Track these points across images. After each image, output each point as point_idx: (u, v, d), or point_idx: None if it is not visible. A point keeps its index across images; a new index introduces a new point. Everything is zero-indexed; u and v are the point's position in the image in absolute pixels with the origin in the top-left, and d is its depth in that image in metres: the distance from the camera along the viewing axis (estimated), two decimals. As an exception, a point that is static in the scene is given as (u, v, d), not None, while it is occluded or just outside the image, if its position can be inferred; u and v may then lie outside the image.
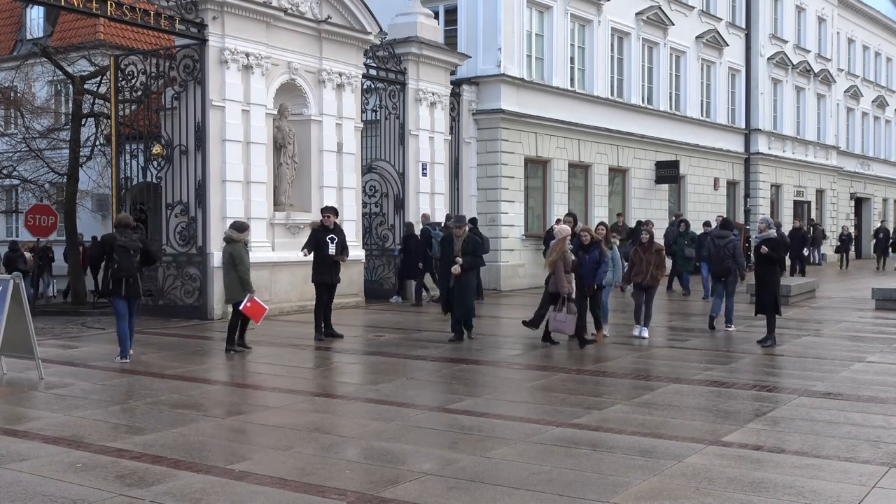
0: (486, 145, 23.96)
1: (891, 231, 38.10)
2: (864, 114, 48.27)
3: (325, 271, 13.97)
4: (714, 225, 20.12)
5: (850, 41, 46.62)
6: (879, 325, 16.29)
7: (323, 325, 14.01)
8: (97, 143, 22.92)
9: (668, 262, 18.55)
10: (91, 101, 22.63)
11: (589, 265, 13.26)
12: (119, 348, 11.73)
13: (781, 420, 8.38)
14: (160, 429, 7.94)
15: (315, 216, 18.50)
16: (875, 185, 49.55)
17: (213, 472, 6.64)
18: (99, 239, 14.12)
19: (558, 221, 24.34)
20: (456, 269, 13.60)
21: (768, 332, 13.29)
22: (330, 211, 14.34)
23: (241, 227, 12.74)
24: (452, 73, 23.00)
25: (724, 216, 21.72)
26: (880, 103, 49.63)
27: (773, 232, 13.51)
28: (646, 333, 14.12)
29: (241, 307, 12.28)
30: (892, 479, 6.47)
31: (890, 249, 36.18)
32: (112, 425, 8.13)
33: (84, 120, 22.15)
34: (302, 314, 17.31)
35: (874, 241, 38.41)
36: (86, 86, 21.81)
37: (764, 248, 13.10)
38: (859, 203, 48.44)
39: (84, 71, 22.51)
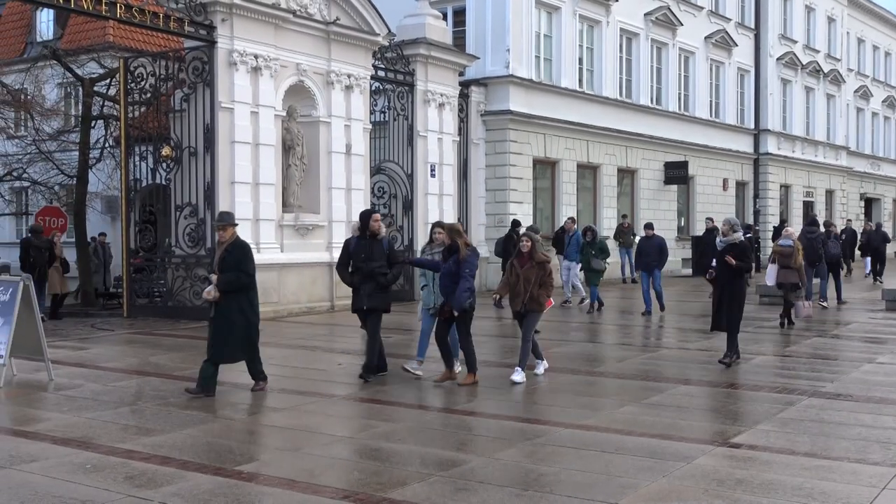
0: (494, 146, 23.95)
1: (860, 232, 31.71)
2: (875, 114, 48.09)
3: None
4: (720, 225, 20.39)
5: (860, 41, 46.46)
6: (890, 326, 16.21)
7: None
8: (107, 145, 22.95)
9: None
10: (101, 103, 22.66)
11: (445, 278, 9.91)
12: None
13: (791, 421, 8.35)
14: (169, 430, 7.96)
15: (324, 217, 18.52)
16: (885, 185, 49.36)
17: (222, 473, 6.65)
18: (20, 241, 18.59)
19: (572, 221, 24.27)
20: (210, 290, 9.26)
21: (729, 347, 11.55)
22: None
23: None
24: (461, 74, 22.99)
25: (814, 215, 24.06)
26: (890, 103, 49.42)
27: (739, 235, 11.81)
28: (541, 369, 10.72)
29: None
30: (902, 481, 6.44)
31: (858, 253, 30.89)
32: (121, 426, 8.15)
33: (93, 122, 22.20)
34: (311, 315, 17.34)
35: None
36: (95, 88, 21.85)
37: (730, 259, 11.39)
38: (869, 203, 48.26)
39: (94, 73, 22.55)
